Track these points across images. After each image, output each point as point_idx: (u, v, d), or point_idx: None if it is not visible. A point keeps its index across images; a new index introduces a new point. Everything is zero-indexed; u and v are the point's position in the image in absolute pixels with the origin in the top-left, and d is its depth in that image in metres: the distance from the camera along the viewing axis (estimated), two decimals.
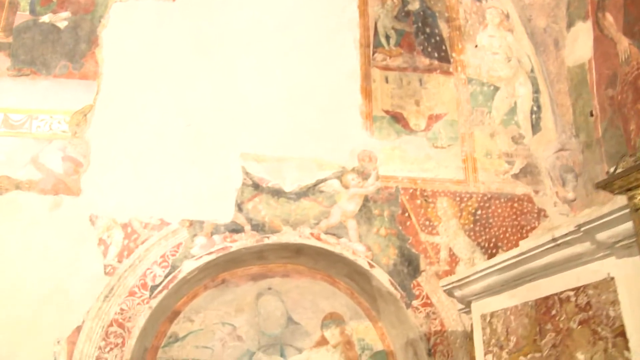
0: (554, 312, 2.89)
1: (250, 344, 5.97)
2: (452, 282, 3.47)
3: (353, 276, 5.91)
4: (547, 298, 2.96)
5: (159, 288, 5.18)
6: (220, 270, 5.84)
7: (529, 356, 3.03)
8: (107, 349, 4.92)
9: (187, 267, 5.26)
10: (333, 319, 6.13)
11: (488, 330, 3.32)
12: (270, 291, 6.10)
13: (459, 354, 5.54)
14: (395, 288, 5.58)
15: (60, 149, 5.38)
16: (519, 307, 3.10)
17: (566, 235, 2.69)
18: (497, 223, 6.06)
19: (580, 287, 2.72)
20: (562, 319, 2.83)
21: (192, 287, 5.81)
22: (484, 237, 5.97)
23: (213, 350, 5.88)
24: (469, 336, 5.50)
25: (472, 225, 5.98)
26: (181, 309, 5.89)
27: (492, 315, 3.29)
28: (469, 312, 4.52)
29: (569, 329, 2.79)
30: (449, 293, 3.63)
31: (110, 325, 5.00)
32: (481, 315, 3.38)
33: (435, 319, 5.60)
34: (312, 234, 5.53)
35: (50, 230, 5.14)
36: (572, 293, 2.79)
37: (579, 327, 2.71)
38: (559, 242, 2.75)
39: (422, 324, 5.56)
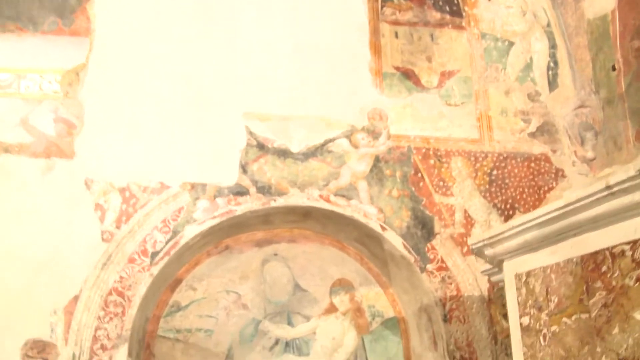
0: (604, 268, 2.60)
1: (255, 312, 5.71)
2: (484, 240, 3.17)
3: (363, 240, 5.62)
4: (595, 253, 2.67)
5: (160, 255, 4.89)
6: (223, 235, 5.54)
7: (573, 317, 2.75)
8: (107, 318, 4.65)
9: (190, 232, 4.96)
10: (342, 285, 5.86)
11: (524, 291, 3.03)
12: (276, 257, 5.81)
13: (476, 320, 5.30)
14: (409, 251, 5.31)
15: (52, 110, 5.03)
16: (562, 265, 2.81)
17: (624, 181, 2.38)
18: (514, 184, 5.77)
19: (638, 239, 2.42)
20: (614, 275, 2.55)
21: (195, 254, 5.51)
22: (500, 199, 5.69)
23: (217, 319, 5.61)
24: (486, 301, 5.26)
25: (487, 186, 5.69)
26: (183, 277, 5.61)
27: (528, 274, 3.01)
28: (494, 274, 4.25)
29: (623, 287, 2.50)
30: (478, 252, 3.33)
31: (110, 294, 4.71)
32: (515, 274, 3.09)
33: (450, 284, 5.34)
34: (320, 196, 5.23)
35: (43, 195, 4.82)
36: (627, 247, 2.50)
37: (637, 284, 2.42)
38: (614, 189, 2.44)
39: (437, 289, 5.30)
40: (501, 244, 3.13)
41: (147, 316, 5.32)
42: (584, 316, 2.70)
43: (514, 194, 5.74)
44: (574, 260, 2.79)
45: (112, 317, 4.67)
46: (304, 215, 5.45)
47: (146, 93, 5.16)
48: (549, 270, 2.94)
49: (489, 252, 3.23)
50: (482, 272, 4.44)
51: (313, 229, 5.80)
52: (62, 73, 5.06)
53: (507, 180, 5.76)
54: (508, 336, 3.90)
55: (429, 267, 5.34)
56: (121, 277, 4.75)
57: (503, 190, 5.74)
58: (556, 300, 2.88)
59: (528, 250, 3.07)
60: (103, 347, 4.59)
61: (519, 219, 3.00)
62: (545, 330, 2.96)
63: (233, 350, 5.56)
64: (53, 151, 4.93)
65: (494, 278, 4.23)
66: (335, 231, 5.70)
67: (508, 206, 5.69)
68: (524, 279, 3.09)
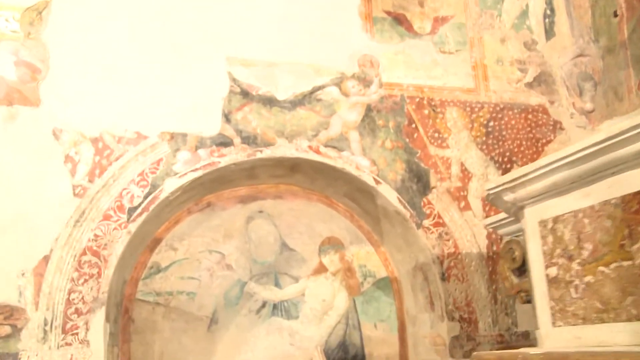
0: None
1: (241, 273, 5.37)
2: (504, 183, 2.84)
3: (354, 196, 5.29)
4: (639, 193, 2.35)
5: (138, 210, 4.49)
6: (205, 191, 5.16)
7: (612, 265, 2.46)
8: (81, 280, 4.25)
9: (170, 186, 4.57)
10: (331, 244, 5.55)
11: (550, 239, 2.73)
12: (261, 215, 5.47)
13: (475, 278, 5.03)
14: (404, 206, 5.00)
15: (12, 53, 4.52)
16: (597, 208, 2.51)
17: None
18: (511, 136, 5.48)
19: None
20: None
21: (175, 212, 5.13)
22: (497, 151, 5.40)
23: (200, 281, 5.26)
24: (484, 258, 4.99)
25: (484, 138, 5.39)
26: (162, 237, 5.23)
27: (556, 220, 2.71)
28: (502, 227, 3.96)
29: None
30: (494, 199, 3.01)
31: (83, 253, 4.31)
32: (540, 221, 2.79)
33: (448, 240, 5.05)
34: (310, 147, 4.87)
35: (6, 147, 4.35)
36: None
37: None
38: None
39: (434, 246, 5.01)
40: (524, 187, 2.81)
41: (125, 278, 4.94)
42: (626, 263, 2.42)
43: (511, 147, 5.46)
44: (613, 202, 2.49)
45: (87, 278, 4.28)
46: (292, 169, 5.09)
47: (120, 33, 4.70)
48: (580, 215, 2.64)
49: (508, 197, 2.91)
50: (487, 225, 4.14)
51: (301, 185, 5.46)
52: (21, 11, 4.55)
53: (504, 132, 5.48)
54: (519, 292, 3.64)
55: (425, 223, 5.04)
56: (96, 236, 4.34)
57: (500, 143, 5.45)
58: (590, 247, 2.59)
59: (556, 193, 2.77)
60: (78, 312, 4.20)
61: (546, 158, 2.67)
62: (577, 282, 2.67)
63: (217, 314, 5.24)
64: (15, 98, 4.46)
65: (503, 230, 3.93)
66: (324, 186, 5.36)
67: (505, 159, 5.41)
68: (550, 225, 2.79)
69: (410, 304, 5.44)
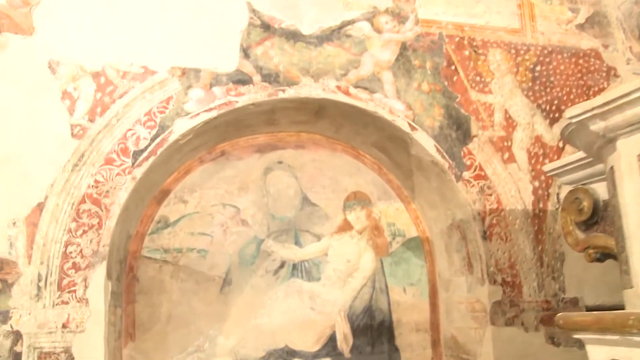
0: None
1: (257, 229, 4.85)
2: (595, 107, 2.27)
3: (384, 145, 4.75)
4: None
5: (144, 154, 3.96)
6: (219, 138, 4.63)
7: None
8: (79, 231, 3.74)
9: (180, 127, 4.02)
10: (357, 199, 5.01)
11: None
12: (280, 166, 4.94)
13: (519, 237, 4.51)
14: (442, 156, 4.45)
15: None
16: None
17: None
18: (560, 82, 4.89)
19: None
20: None
21: (185, 160, 4.60)
22: (544, 99, 4.82)
23: (212, 238, 4.75)
24: (530, 216, 4.45)
25: (530, 84, 4.81)
26: (171, 188, 4.71)
27: None
28: (566, 174, 3.39)
29: None
30: (574, 131, 2.45)
31: (82, 201, 3.79)
32: (639, 155, 2.21)
33: (490, 195, 4.51)
34: (338, 87, 4.30)
35: None
36: None
37: None
38: None
39: (474, 201, 4.46)
40: (622, 111, 2.24)
41: (130, 232, 4.43)
42: None
43: (560, 94, 4.87)
44: None
45: (86, 229, 3.76)
46: (317, 114, 4.54)
47: None
48: None
49: (597, 126, 2.35)
50: (549, 172, 3.57)
51: (324, 133, 4.92)
52: None
53: (552, 78, 4.89)
54: (586, 249, 3.10)
55: (466, 175, 4.49)
56: (96, 182, 3.82)
57: (548, 89, 4.87)
58: None
59: None
60: (75, 267, 3.70)
61: None
62: None
63: (231, 274, 4.72)
64: (5, 25, 3.91)
65: (567, 178, 3.37)
66: (350, 135, 4.81)
67: (554, 107, 4.83)
68: None
69: (444, 266, 4.92)
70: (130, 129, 3.97)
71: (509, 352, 4.31)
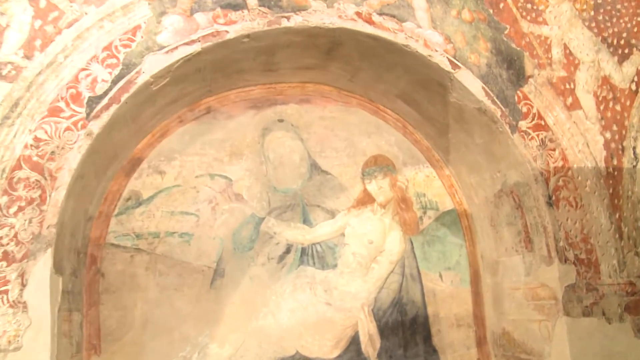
0: None
1: (255, 205, 3.83)
2: None
3: (413, 94, 3.76)
4: None
5: (104, 101, 2.91)
6: (203, 89, 3.60)
7: None
8: (13, 208, 2.67)
9: (152, 65, 2.98)
10: (378, 164, 4.01)
11: None
12: (282, 125, 3.92)
13: (592, 203, 3.52)
14: (493, 101, 3.42)
15: None
16: None
17: None
18: (628, 11, 3.92)
19: None
20: None
21: (161, 118, 3.57)
22: (610, 31, 3.84)
23: (198, 218, 3.71)
24: (603, 176, 3.46)
25: (592, 13, 3.83)
26: (144, 155, 3.66)
27: None
28: None
29: None
30: None
31: (17, 167, 2.73)
32: None
33: (553, 150, 3.51)
34: (358, 14, 3.27)
35: None
36: None
37: None
38: None
39: (535, 157, 3.45)
40: None
41: (89, 212, 3.36)
42: None
43: (629, 26, 3.88)
44: None
45: (23, 206, 2.70)
46: (328, 53, 3.52)
47: None
48: None
49: None
50: None
51: (336, 83, 3.91)
52: None
53: (618, 6, 3.89)
54: None
55: (522, 125, 3.50)
56: (37, 140, 2.75)
57: (614, 20, 3.89)
58: None
59: None
60: (7, 258, 2.63)
61: None
62: None
63: (224, 264, 3.70)
64: None
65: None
66: (370, 82, 3.81)
67: (622, 42, 3.86)
68: None
69: (488, 244, 3.93)
70: (83, 69, 2.90)
71: (588, 349, 3.32)
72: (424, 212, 4.07)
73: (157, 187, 3.67)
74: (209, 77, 3.45)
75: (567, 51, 3.73)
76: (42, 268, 2.67)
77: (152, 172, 3.67)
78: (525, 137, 3.49)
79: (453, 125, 3.78)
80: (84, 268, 3.40)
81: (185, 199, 3.71)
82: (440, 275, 4.03)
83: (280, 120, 3.91)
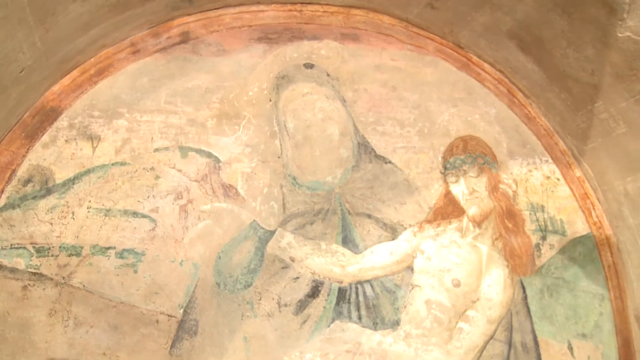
0: None
1: (260, 208, 2.21)
2: None
3: (540, 29, 2.11)
4: None
5: None
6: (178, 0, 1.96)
7: None
8: None
9: None
10: (470, 152, 2.45)
11: None
12: (311, 73, 2.36)
13: None
14: None
15: None
16: None
17: None
18: None
19: None
20: None
21: (97, 44, 1.88)
22: None
23: (155, 224, 2.08)
24: None
25: None
26: (63, 105, 2.00)
27: None
28: None
29: None
30: None
31: None
32: None
33: None
34: None
35: None
36: None
37: None
38: None
39: None
40: None
41: None
42: None
43: None
44: None
45: None
46: None
47: None
48: None
49: None
50: None
51: (402, 10, 2.30)
52: None
53: None
54: None
55: None
56: None
57: None
58: None
59: None
60: None
61: None
62: None
63: (198, 311, 2.05)
64: None
65: None
66: (462, 6, 2.15)
67: None
68: None
69: None
70: None
71: None
72: (543, 237, 2.41)
73: (82, 164, 2.02)
74: None
75: None
76: None
77: (75, 136, 2.01)
78: None
79: (609, 86, 2.14)
80: None
81: (133, 188, 2.03)
82: (570, 347, 2.36)
83: (309, 66, 2.29)
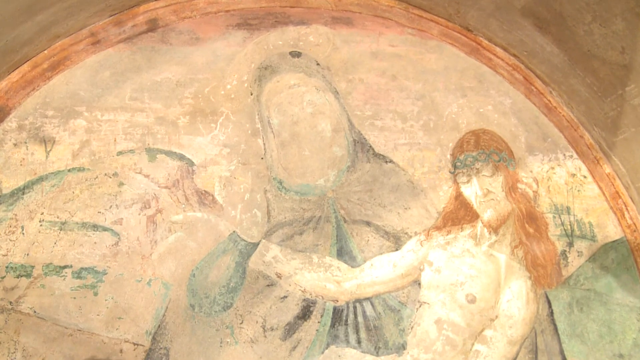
0: None
1: (241, 217, 1.90)
2: None
3: (561, 4, 1.79)
4: None
5: None
6: None
7: None
8: None
9: None
10: (483, 148, 2.19)
11: None
12: (298, 63, 2.12)
13: None
14: None
15: None
16: None
17: None
18: None
19: None
20: None
21: (51, 35, 1.62)
22: None
23: (118, 238, 1.78)
24: None
25: None
26: (11, 104, 1.76)
27: None
28: None
29: None
30: None
31: None
32: None
33: None
34: None
35: None
36: None
37: None
38: None
39: None
40: None
41: None
42: None
43: None
44: None
45: None
46: None
47: None
48: None
49: None
50: None
51: None
52: None
53: None
54: None
55: None
56: None
57: None
58: None
59: None
60: None
61: None
62: None
63: (169, 338, 1.75)
64: None
65: None
66: None
67: None
68: None
69: None
70: None
71: None
72: (569, 244, 2.13)
73: (33, 171, 1.77)
74: None
75: None
76: None
77: (26, 138, 1.76)
78: None
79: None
80: None
81: (93, 198, 1.76)
82: None
83: (296, 54, 2.03)
